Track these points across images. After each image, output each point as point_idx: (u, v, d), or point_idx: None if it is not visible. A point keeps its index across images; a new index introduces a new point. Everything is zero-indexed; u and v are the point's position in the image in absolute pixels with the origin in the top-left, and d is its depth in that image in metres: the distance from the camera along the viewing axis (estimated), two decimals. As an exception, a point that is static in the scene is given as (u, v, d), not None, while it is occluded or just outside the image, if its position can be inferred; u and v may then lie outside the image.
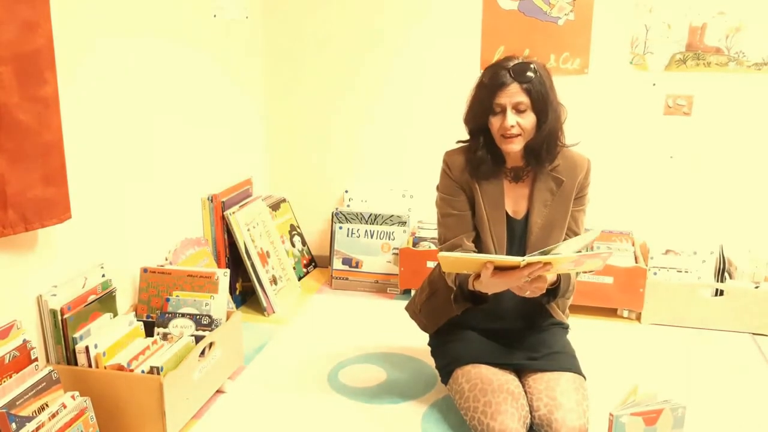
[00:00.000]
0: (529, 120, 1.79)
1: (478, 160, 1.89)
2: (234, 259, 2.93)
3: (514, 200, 1.95)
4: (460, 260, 1.74)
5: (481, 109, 1.83)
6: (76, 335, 1.94)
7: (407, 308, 2.24)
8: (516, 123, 1.78)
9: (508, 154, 1.88)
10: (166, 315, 2.17)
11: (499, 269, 1.67)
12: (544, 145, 1.84)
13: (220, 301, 2.23)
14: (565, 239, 1.94)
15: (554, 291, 1.88)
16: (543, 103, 1.79)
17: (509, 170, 1.94)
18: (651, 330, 2.75)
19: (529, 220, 1.92)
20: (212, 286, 2.27)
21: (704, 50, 2.85)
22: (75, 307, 1.97)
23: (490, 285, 1.72)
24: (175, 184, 2.60)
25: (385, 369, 2.41)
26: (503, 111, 1.79)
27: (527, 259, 1.61)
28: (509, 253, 1.93)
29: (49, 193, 1.81)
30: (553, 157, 1.89)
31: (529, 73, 1.77)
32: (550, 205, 1.92)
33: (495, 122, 1.82)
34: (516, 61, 1.80)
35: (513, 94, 1.77)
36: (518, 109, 1.78)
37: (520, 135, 1.80)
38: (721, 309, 2.71)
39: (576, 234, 1.97)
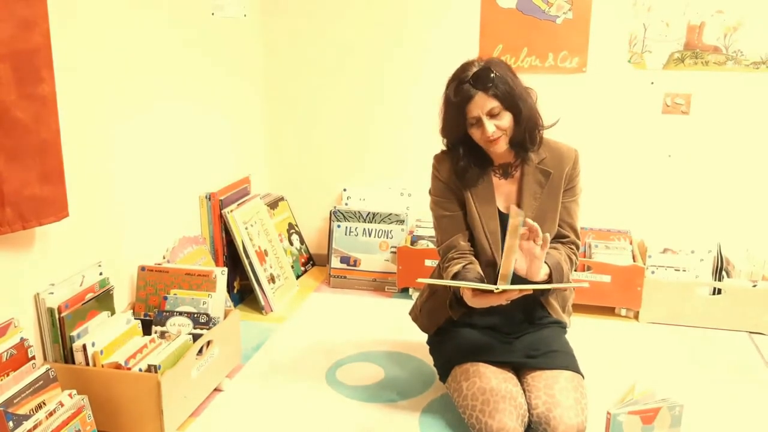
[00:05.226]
0: (506, 120, 1.81)
1: (462, 170, 1.92)
2: (232, 257, 2.93)
3: (505, 196, 1.96)
4: (440, 284, 1.79)
5: (456, 125, 1.85)
6: (74, 333, 1.94)
7: (410, 313, 2.24)
8: (495, 128, 1.80)
9: (494, 153, 1.89)
10: (164, 313, 2.17)
11: (479, 291, 1.71)
12: (526, 134, 1.87)
13: (217, 300, 2.23)
14: (558, 231, 1.96)
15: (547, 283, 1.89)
16: (513, 99, 1.80)
17: (497, 167, 1.96)
18: (649, 328, 2.75)
19: None
20: (210, 285, 2.27)
21: (702, 49, 2.86)
22: (72, 306, 1.97)
23: (474, 303, 1.75)
24: (173, 183, 2.60)
25: (383, 367, 2.41)
26: (479, 121, 1.80)
27: (501, 287, 1.64)
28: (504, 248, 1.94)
29: (46, 191, 1.81)
30: (538, 140, 1.90)
31: (491, 76, 1.78)
32: (539, 197, 1.93)
33: (476, 133, 1.84)
34: (474, 69, 1.80)
35: (482, 103, 1.78)
36: (492, 114, 1.80)
37: (502, 135, 1.82)
38: (719, 308, 2.71)
39: (571, 226, 1.98)
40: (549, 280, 1.82)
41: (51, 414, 1.70)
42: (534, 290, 1.73)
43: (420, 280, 1.80)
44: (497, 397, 1.78)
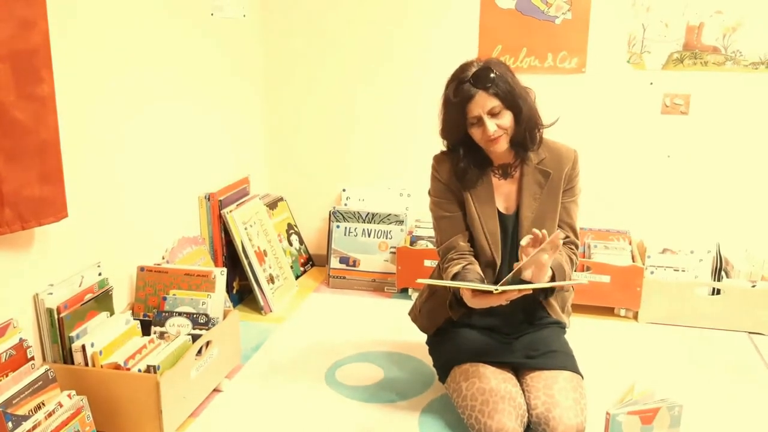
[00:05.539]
0: (506, 118, 1.81)
1: (462, 171, 1.92)
2: (231, 257, 2.93)
3: (505, 196, 1.97)
4: (439, 285, 1.78)
5: (457, 125, 1.85)
6: (73, 334, 1.94)
7: (409, 313, 2.24)
8: (497, 127, 1.80)
9: (495, 153, 1.89)
10: (163, 314, 2.17)
11: (478, 292, 1.70)
12: (527, 133, 1.87)
13: (217, 300, 2.23)
14: (558, 231, 1.95)
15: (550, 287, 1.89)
16: (513, 98, 1.80)
17: (497, 168, 1.96)
18: (648, 329, 2.75)
19: (519, 214, 1.93)
20: (209, 285, 2.27)
21: (701, 49, 2.86)
22: (71, 306, 1.97)
23: (473, 303, 1.74)
24: (172, 183, 2.60)
25: (382, 367, 2.41)
26: (480, 121, 1.80)
27: (500, 288, 1.64)
28: (504, 249, 1.95)
29: (45, 191, 1.81)
30: (538, 140, 1.91)
31: (491, 76, 1.78)
32: (539, 198, 1.93)
33: (476, 133, 1.84)
34: (474, 69, 1.80)
35: (483, 102, 1.78)
36: (493, 113, 1.80)
37: (503, 134, 1.82)
38: (718, 308, 2.71)
39: (570, 226, 1.98)
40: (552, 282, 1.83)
41: (50, 414, 1.70)
42: (534, 290, 1.73)
43: (420, 280, 1.80)
44: (496, 398, 1.78)
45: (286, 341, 2.63)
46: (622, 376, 2.32)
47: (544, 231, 1.69)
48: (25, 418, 1.65)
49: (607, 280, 2.78)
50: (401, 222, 3.16)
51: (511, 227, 1.95)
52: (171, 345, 2.03)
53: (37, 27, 1.72)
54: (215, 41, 2.86)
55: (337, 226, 3.22)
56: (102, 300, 2.09)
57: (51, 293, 1.93)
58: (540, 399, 1.79)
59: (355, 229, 3.20)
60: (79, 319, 1.98)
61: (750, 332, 2.70)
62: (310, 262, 3.48)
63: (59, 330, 1.93)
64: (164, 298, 2.20)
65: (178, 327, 2.15)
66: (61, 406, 1.74)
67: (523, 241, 1.72)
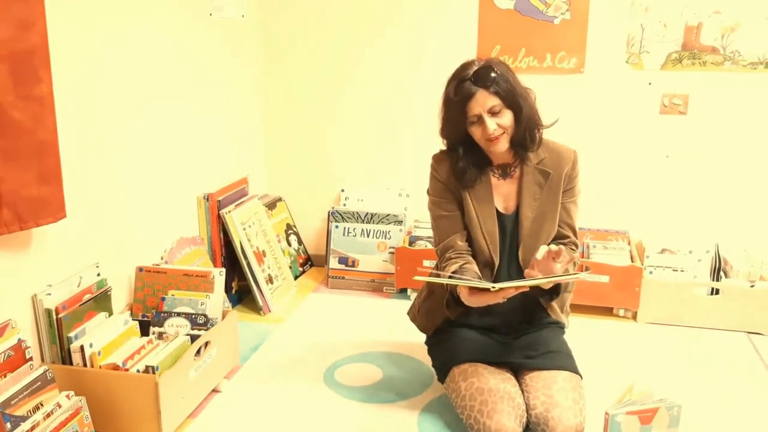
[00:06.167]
0: (507, 117, 1.81)
1: (461, 170, 1.92)
2: (230, 258, 2.92)
3: (504, 196, 1.97)
4: (436, 282, 1.80)
5: (457, 124, 1.85)
6: (71, 334, 1.93)
7: (408, 313, 2.24)
8: (497, 126, 1.80)
9: (494, 153, 1.89)
10: (162, 314, 2.16)
11: (475, 289, 1.70)
12: (527, 133, 1.87)
13: (215, 301, 2.23)
14: (558, 231, 1.96)
15: (553, 288, 1.89)
16: (513, 97, 1.80)
17: (496, 168, 1.96)
18: (647, 329, 2.75)
19: (519, 214, 1.94)
20: (208, 286, 2.26)
21: (700, 49, 2.86)
22: (70, 307, 1.96)
23: (470, 302, 1.74)
24: (171, 183, 2.60)
25: (381, 368, 2.41)
26: (480, 119, 1.80)
27: (498, 285, 1.63)
28: (503, 249, 1.95)
29: (44, 191, 1.81)
30: (537, 140, 1.91)
31: (492, 74, 1.78)
32: (539, 198, 1.93)
33: (476, 132, 1.84)
34: (475, 68, 1.80)
35: (484, 101, 1.78)
36: (493, 112, 1.80)
37: (503, 133, 1.82)
38: (717, 308, 2.71)
39: (570, 226, 1.98)
40: (555, 285, 1.83)
41: (48, 415, 1.70)
42: (531, 287, 1.73)
43: (417, 278, 1.79)
44: (495, 398, 1.78)
45: (284, 342, 2.63)
46: (621, 376, 2.32)
47: (561, 246, 1.69)
48: (24, 418, 1.65)
49: (606, 280, 2.78)
50: (400, 222, 3.16)
51: (509, 227, 1.95)
52: (170, 345, 2.03)
53: (36, 27, 1.72)
54: (214, 42, 2.86)
55: (336, 227, 3.22)
56: (100, 300, 2.09)
57: (49, 294, 1.93)
58: (539, 399, 1.79)
59: (354, 229, 3.20)
60: (77, 319, 1.98)
61: (749, 332, 2.70)
62: (308, 263, 3.48)
63: (58, 330, 1.93)
64: (163, 299, 2.20)
65: (176, 327, 2.15)
66: (59, 406, 1.74)
67: (539, 254, 1.71)
